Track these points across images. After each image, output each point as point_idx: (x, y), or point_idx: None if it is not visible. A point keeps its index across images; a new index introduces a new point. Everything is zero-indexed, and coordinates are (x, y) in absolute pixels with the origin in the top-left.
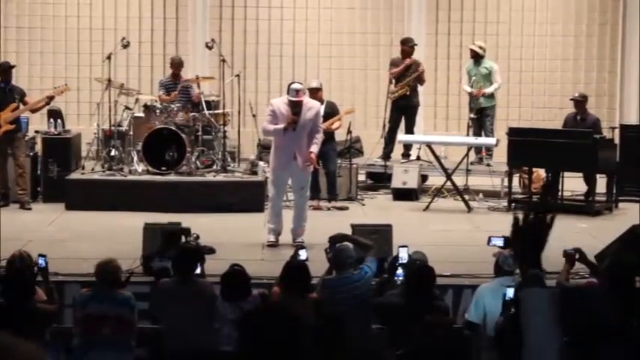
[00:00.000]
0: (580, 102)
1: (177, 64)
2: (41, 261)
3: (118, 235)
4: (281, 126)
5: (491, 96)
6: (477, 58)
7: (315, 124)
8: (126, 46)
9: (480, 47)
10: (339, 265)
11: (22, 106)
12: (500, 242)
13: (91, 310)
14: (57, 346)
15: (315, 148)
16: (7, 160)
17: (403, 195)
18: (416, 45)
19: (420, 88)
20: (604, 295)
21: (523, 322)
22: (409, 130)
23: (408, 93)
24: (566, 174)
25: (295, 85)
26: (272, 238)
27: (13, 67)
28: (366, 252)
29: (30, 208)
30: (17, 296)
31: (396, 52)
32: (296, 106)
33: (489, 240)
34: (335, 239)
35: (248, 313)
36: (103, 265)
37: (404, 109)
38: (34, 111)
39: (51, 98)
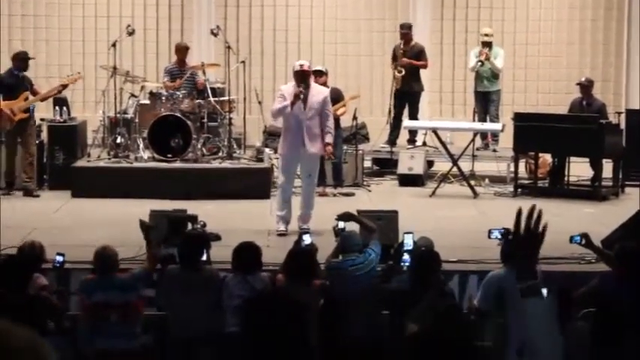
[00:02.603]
0: (586, 87)
1: (182, 50)
2: (59, 258)
3: (124, 223)
4: (288, 102)
5: (497, 79)
6: (486, 44)
7: (324, 109)
8: (131, 33)
9: (487, 34)
10: (344, 250)
11: (31, 96)
12: (500, 234)
13: (97, 297)
14: (61, 335)
15: (330, 138)
16: (17, 149)
17: (409, 181)
18: (403, 30)
19: (422, 74)
20: (617, 284)
21: (529, 332)
22: (413, 116)
23: (397, 75)
24: (572, 159)
25: (299, 61)
26: (282, 227)
27: (31, 58)
28: (370, 234)
29: (38, 195)
30: (13, 284)
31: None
32: (302, 78)
33: (490, 233)
34: (342, 217)
35: (251, 299)
36: (100, 252)
37: (406, 96)
38: (44, 99)
39: (64, 86)
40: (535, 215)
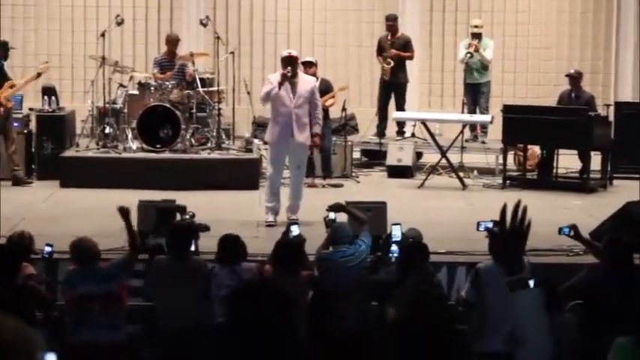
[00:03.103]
0: (575, 78)
1: (173, 42)
2: (48, 249)
3: (112, 213)
4: (275, 84)
5: (486, 71)
6: (476, 36)
7: (313, 98)
8: (120, 23)
9: (476, 26)
10: (335, 241)
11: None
12: (489, 226)
13: (79, 289)
14: (50, 325)
15: (318, 129)
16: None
17: (398, 172)
18: (389, 22)
19: (412, 65)
20: (605, 276)
21: (518, 322)
22: (400, 107)
23: (384, 66)
24: (560, 151)
25: (287, 50)
26: (270, 219)
27: (12, 48)
28: (360, 226)
29: (30, 182)
30: (2, 274)
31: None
32: (289, 64)
33: (478, 225)
34: (333, 208)
35: (238, 289)
36: (78, 243)
37: (391, 87)
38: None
39: (39, 75)
40: (520, 212)
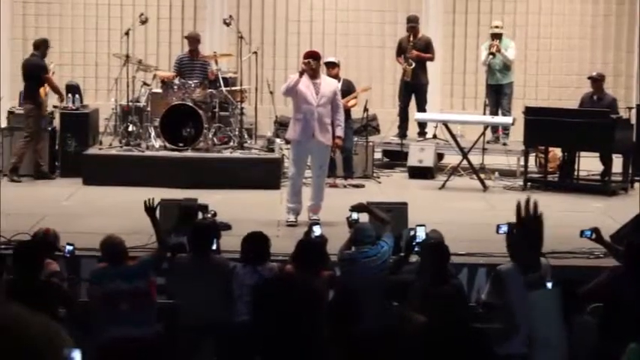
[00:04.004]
0: (597, 81)
1: (192, 40)
2: (69, 247)
3: (135, 211)
4: (296, 75)
5: (509, 72)
6: (496, 37)
7: (335, 99)
8: (144, 22)
9: (496, 27)
10: (357, 242)
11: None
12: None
13: (108, 286)
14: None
15: (340, 132)
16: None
17: (419, 173)
18: (410, 24)
19: (433, 67)
20: (626, 279)
21: (533, 321)
22: (421, 108)
23: (406, 67)
24: (582, 154)
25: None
26: (292, 218)
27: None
28: (383, 226)
29: (54, 177)
30: (25, 271)
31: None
32: (310, 56)
33: (498, 228)
34: (356, 208)
35: (263, 282)
36: (107, 241)
37: (412, 88)
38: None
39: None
40: (531, 207)
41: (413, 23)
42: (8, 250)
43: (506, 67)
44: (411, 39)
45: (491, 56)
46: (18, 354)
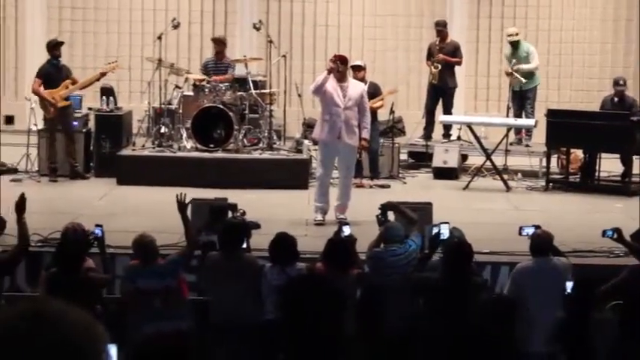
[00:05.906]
0: (619, 84)
1: (218, 42)
2: (98, 231)
3: (167, 210)
4: (324, 73)
5: (533, 77)
6: (514, 44)
7: (362, 103)
8: (176, 26)
9: (510, 35)
10: (387, 240)
11: (71, 85)
12: (531, 231)
13: (139, 284)
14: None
15: (366, 134)
16: (57, 136)
17: (444, 174)
18: (438, 28)
19: (457, 70)
20: None
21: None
22: (447, 111)
23: (434, 70)
24: (603, 155)
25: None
26: (319, 217)
27: (62, 43)
28: (411, 226)
29: (88, 177)
30: (66, 267)
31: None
32: (337, 60)
33: (520, 230)
34: (386, 207)
35: (292, 280)
36: (139, 240)
37: (439, 91)
38: (84, 87)
39: (103, 74)
40: None
41: (441, 27)
42: (45, 248)
43: (530, 74)
44: (438, 43)
45: (511, 75)
46: (59, 348)
